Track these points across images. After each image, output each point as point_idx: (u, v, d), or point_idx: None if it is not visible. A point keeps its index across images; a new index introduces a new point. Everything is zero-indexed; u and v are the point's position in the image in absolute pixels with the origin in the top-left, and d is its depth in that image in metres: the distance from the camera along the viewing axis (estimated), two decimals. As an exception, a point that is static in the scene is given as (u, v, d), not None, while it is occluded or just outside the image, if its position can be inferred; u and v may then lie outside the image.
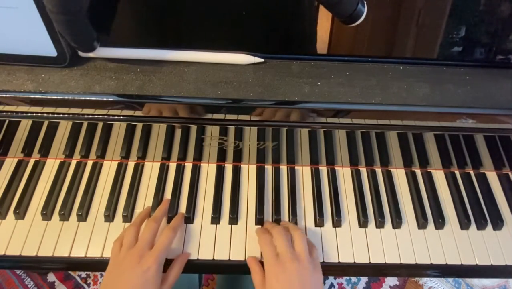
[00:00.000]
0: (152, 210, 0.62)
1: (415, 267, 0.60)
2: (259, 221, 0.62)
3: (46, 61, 0.51)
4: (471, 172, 0.69)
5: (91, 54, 0.52)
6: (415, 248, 0.60)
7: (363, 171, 0.69)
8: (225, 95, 0.50)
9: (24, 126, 0.61)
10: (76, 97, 0.50)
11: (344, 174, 0.68)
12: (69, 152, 0.66)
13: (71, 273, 1.27)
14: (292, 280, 0.51)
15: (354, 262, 0.59)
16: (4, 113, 0.54)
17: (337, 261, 0.59)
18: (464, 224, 0.63)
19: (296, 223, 0.62)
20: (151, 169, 0.67)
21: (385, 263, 0.59)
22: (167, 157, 0.67)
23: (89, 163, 0.68)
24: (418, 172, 0.69)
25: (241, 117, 0.54)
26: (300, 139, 0.63)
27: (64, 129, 0.61)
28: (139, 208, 0.63)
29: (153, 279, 0.51)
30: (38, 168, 0.67)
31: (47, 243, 0.59)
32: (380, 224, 0.62)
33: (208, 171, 0.68)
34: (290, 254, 0.52)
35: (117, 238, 0.57)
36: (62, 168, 0.67)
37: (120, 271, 0.52)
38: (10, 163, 0.67)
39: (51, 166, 0.67)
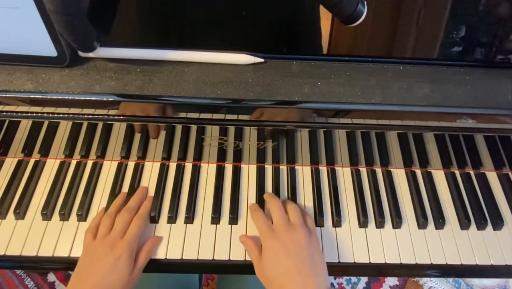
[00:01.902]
0: (153, 210, 0.62)
1: (415, 267, 0.60)
2: (259, 221, 0.62)
3: (46, 61, 0.51)
4: (471, 172, 0.69)
5: (91, 54, 0.52)
6: (415, 248, 0.60)
7: (363, 171, 0.69)
8: (225, 95, 0.50)
9: (24, 126, 0.61)
10: (76, 97, 0.50)
11: (344, 174, 0.68)
12: (69, 152, 0.66)
13: (71, 273, 1.27)
14: (287, 247, 0.53)
15: (354, 262, 0.59)
16: (4, 113, 0.54)
17: (337, 261, 0.59)
18: (464, 224, 0.63)
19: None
20: (151, 169, 0.67)
21: (385, 263, 0.59)
22: (167, 157, 0.67)
23: (89, 163, 0.68)
24: (418, 172, 0.69)
25: (241, 117, 0.54)
26: (300, 139, 0.63)
27: (64, 129, 0.61)
28: (139, 208, 0.63)
29: (123, 266, 0.53)
30: (38, 168, 0.67)
31: (47, 243, 0.59)
32: (380, 224, 0.62)
33: (208, 171, 0.68)
34: (284, 224, 0.55)
35: (88, 228, 0.58)
36: (62, 168, 0.67)
37: (93, 259, 0.54)
38: (10, 163, 0.67)
39: (51, 166, 0.67)
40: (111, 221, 0.58)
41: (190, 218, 0.62)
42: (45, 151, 0.66)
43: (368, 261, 0.59)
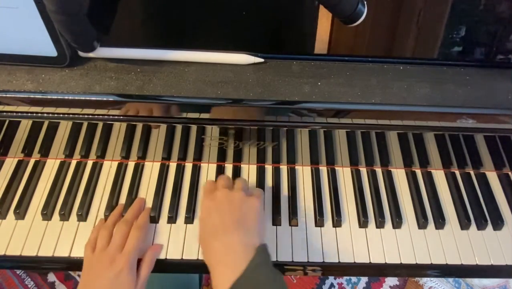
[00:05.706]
0: (153, 210, 0.62)
1: (415, 267, 0.60)
2: (259, 221, 0.62)
3: (46, 61, 0.51)
4: (471, 172, 0.69)
5: (91, 54, 0.52)
6: (415, 248, 0.60)
7: (363, 171, 0.69)
8: (225, 95, 0.50)
9: (24, 126, 0.61)
10: (76, 97, 0.50)
11: (344, 174, 0.68)
12: (69, 152, 0.66)
13: (71, 273, 1.27)
14: (220, 206, 0.52)
15: (354, 262, 0.59)
16: (4, 113, 0.54)
17: (337, 261, 0.59)
18: (464, 224, 0.63)
19: (296, 223, 0.62)
20: (151, 169, 0.67)
21: (385, 263, 0.59)
22: (167, 157, 0.67)
23: (89, 163, 0.68)
24: (418, 172, 0.69)
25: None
26: (300, 140, 0.63)
27: (64, 129, 0.61)
28: (139, 208, 0.63)
29: (126, 280, 0.51)
30: (38, 168, 0.67)
31: (47, 243, 0.59)
32: (380, 224, 0.62)
33: (208, 171, 0.68)
34: (225, 187, 0.55)
35: (88, 241, 0.56)
36: (62, 168, 0.67)
37: (93, 275, 0.52)
38: (10, 163, 0.67)
39: (51, 166, 0.67)
40: (109, 233, 0.56)
41: (190, 218, 0.62)
42: (45, 151, 0.66)
43: (368, 261, 0.59)
